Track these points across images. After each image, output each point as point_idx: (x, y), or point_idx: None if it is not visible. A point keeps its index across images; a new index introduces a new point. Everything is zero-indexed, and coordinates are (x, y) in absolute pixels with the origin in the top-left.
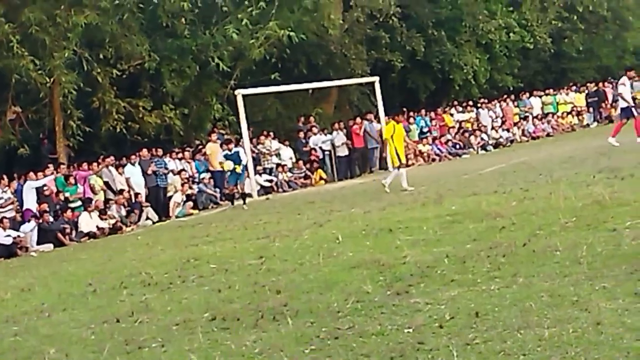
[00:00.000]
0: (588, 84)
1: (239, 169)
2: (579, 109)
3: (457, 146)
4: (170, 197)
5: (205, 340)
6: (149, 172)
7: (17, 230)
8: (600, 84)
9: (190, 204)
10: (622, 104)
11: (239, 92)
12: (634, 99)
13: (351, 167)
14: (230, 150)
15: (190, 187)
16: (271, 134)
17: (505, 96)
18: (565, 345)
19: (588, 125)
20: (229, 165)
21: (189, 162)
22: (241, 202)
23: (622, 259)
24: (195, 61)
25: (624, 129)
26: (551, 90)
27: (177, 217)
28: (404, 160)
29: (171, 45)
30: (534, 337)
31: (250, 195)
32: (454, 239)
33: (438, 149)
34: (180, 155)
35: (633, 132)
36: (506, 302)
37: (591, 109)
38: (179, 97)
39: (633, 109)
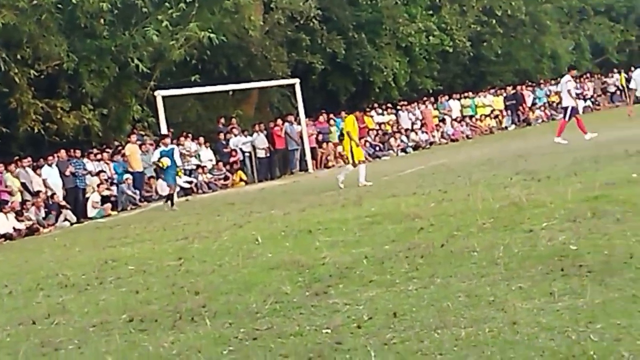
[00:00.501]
0: (506, 87)
1: (165, 163)
2: (497, 111)
3: (377, 148)
4: (89, 198)
5: (123, 342)
6: (67, 173)
7: None
8: (519, 87)
9: (109, 205)
10: (565, 102)
11: (159, 94)
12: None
13: (271, 168)
14: (166, 146)
15: (109, 189)
16: (191, 135)
17: (424, 99)
18: (481, 344)
19: (506, 127)
20: (167, 161)
21: (107, 163)
22: (170, 203)
23: (538, 260)
24: (115, 62)
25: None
26: (470, 93)
27: (94, 218)
28: (362, 157)
29: (90, 45)
30: (450, 336)
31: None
32: (373, 240)
33: None
34: (99, 156)
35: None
36: (424, 302)
37: (509, 112)
38: (97, 97)
39: (568, 110)
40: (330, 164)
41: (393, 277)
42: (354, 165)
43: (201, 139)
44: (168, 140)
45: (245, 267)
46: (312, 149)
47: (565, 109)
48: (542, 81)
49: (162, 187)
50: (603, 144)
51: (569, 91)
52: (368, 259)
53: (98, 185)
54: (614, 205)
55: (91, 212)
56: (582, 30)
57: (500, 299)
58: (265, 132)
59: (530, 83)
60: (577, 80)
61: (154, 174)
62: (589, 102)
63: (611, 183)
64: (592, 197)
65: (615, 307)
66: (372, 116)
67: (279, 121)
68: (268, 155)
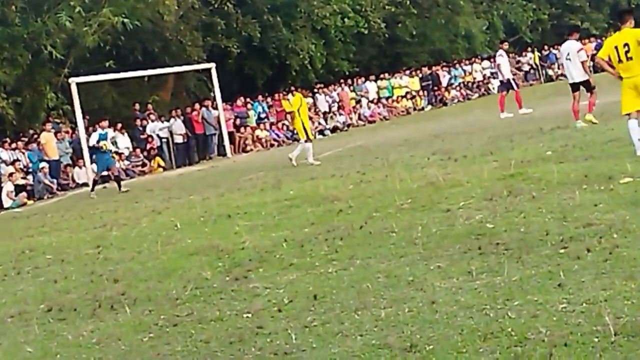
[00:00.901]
0: (422, 68)
1: (107, 146)
2: (413, 92)
3: (295, 131)
4: (3, 188)
5: (41, 332)
6: None
7: None
8: (434, 68)
9: (24, 194)
10: (500, 77)
11: (73, 81)
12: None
13: (189, 154)
14: (103, 129)
15: (25, 178)
16: (107, 122)
17: (341, 81)
18: (401, 324)
19: (422, 108)
20: (109, 144)
21: (22, 152)
22: (116, 186)
23: (456, 239)
24: (28, 49)
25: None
26: (386, 75)
27: (10, 208)
28: (310, 135)
29: (2, 33)
30: (370, 317)
31: (97, 183)
32: (292, 223)
33: (276, 134)
34: (13, 145)
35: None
36: (344, 284)
37: (425, 93)
38: (11, 86)
39: (512, 82)
40: (248, 148)
41: (313, 259)
42: (309, 140)
43: (118, 126)
44: (105, 123)
45: (165, 253)
46: (230, 134)
47: (508, 80)
48: (457, 61)
49: (78, 175)
50: (518, 122)
51: (499, 65)
52: (288, 243)
53: (11, 175)
54: (529, 183)
55: (7, 202)
56: (495, 9)
57: (419, 278)
58: (182, 117)
59: (445, 63)
60: (492, 60)
61: (70, 162)
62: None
63: (526, 161)
64: (508, 176)
65: (532, 284)
66: (288, 99)
67: (196, 106)
68: (186, 140)
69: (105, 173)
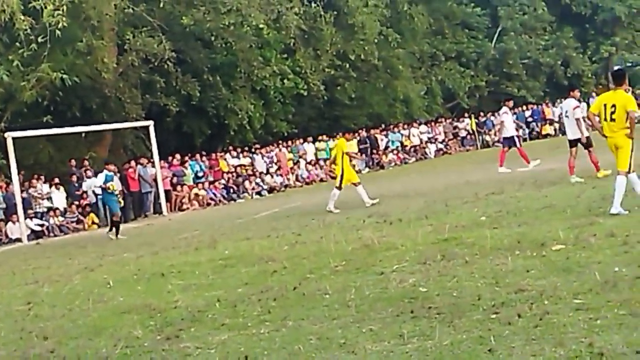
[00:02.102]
0: (360, 131)
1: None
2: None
3: (232, 191)
4: None
5: None
6: None
7: None
8: (372, 131)
9: None
10: (505, 133)
11: (9, 135)
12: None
13: (125, 211)
14: (109, 171)
15: None
16: (42, 177)
17: (279, 142)
18: None
19: (360, 171)
20: (115, 185)
21: None
22: (115, 231)
23: (389, 302)
24: None
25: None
26: (324, 137)
27: None
28: (344, 183)
29: None
30: None
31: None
32: (226, 283)
33: (213, 193)
34: None
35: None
36: (275, 345)
37: (363, 155)
38: None
39: (516, 139)
40: (184, 206)
41: (245, 320)
42: (339, 188)
43: (54, 181)
44: (112, 166)
45: (96, 311)
46: (167, 192)
47: (512, 137)
48: (394, 125)
49: (11, 230)
50: (454, 187)
51: (502, 122)
52: (221, 302)
53: None
54: (462, 248)
55: None
56: (433, 75)
57: (351, 341)
58: (118, 174)
59: (383, 127)
60: (430, 125)
61: (3, 217)
62: (441, 145)
63: (461, 225)
64: (442, 240)
65: (463, 349)
66: (226, 159)
67: (133, 163)
68: (121, 198)
69: (37, 228)
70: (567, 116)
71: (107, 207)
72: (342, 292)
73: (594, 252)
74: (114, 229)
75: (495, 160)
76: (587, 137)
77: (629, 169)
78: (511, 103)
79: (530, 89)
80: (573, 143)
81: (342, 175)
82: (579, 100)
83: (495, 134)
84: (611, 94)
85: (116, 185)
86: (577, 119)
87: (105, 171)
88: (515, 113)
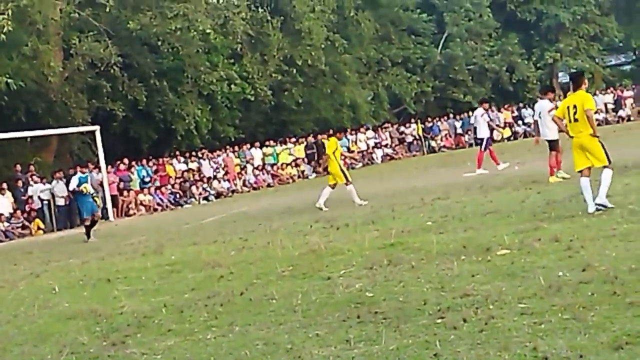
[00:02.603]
0: (307, 136)
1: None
2: (298, 160)
3: (179, 196)
4: None
5: None
6: None
7: None
8: (319, 136)
9: None
10: (480, 134)
11: None
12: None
13: (71, 216)
14: (83, 173)
15: None
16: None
17: (226, 147)
18: None
19: (307, 176)
20: (88, 187)
21: None
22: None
23: (335, 307)
24: None
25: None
26: (271, 142)
27: None
28: (349, 177)
29: None
30: None
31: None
32: (173, 289)
33: (160, 198)
34: None
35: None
36: (222, 350)
37: (310, 161)
38: None
39: (485, 142)
40: (131, 212)
41: (192, 325)
42: (350, 182)
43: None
44: (85, 169)
45: (42, 317)
46: (113, 197)
47: (482, 139)
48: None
49: None
50: (400, 192)
51: (488, 122)
52: (167, 308)
53: None
54: (409, 253)
55: None
56: (380, 80)
57: (298, 346)
58: (64, 179)
59: (330, 132)
60: (376, 131)
61: None
62: (388, 151)
63: (407, 231)
64: (389, 245)
65: (409, 353)
66: (173, 164)
67: (79, 169)
68: (67, 203)
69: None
70: (540, 117)
71: (79, 209)
72: (289, 297)
73: (538, 257)
74: (91, 230)
75: (442, 165)
76: (556, 140)
77: (609, 160)
78: (487, 105)
79: (475, 95)
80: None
81: (342, 170)
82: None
83: (441, 139)
84: (573, 96)
85: (89, 187)
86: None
87: (79, 174)
88: (461, 119)
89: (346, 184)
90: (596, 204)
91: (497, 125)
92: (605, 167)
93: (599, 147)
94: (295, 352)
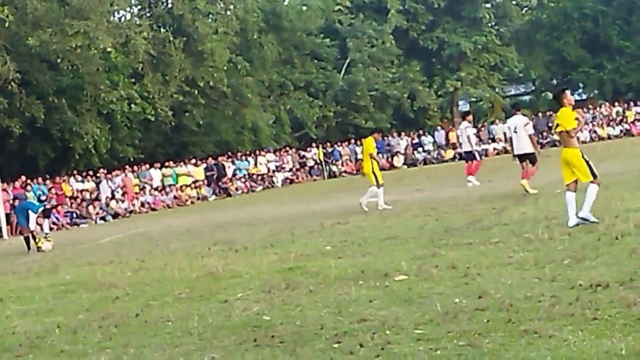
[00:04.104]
0: (207, 158)
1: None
2: (198, 182)
3: (75, 215)
4: None
5: None
6: None
7: None
8: (220, 158)
9: None
10: (465, 147)
11: None
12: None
13: None
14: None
15: None
16: None
17: (125, 167)
18: None
19: (206, 198)
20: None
21: None
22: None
23: (232, 330)
24: None
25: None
26: (171, 163)
27: None
28: (380, 180)
29: None
30: None
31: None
32: (67, 309)
33: (56, 217)
34: None
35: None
36: None
37: (210, 182)
38: None
39: (476, 153)
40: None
41: (85, 347)
42: (379, 186)
43: None
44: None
45: None
46: (7, 215)
47: (468, 152)
48: (242, 153)
49: None
50: (300, 216)
51: (468, 137)
52: (60, 328)
53: None
54: (307, 277)
55: None
56: (282, 104)
57: None
58: None
59: (230, 154)
60: (277, 154)
61: None
62: (288, 174)
63: (305, 255)
64: (287, 269)
65: None
66: (70, 183)
67: None
68: None
69: None
70: (515, 132)
71: None
72: (185, 319)
73: (435, 283)
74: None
75: (342, 189)
76: (534, 153)
77: (594, 176)
78: (471, 117)
79: (377, 121)
80: (522, 158)
81: (373, 172)
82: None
83: (342, 164)
84: (558, 113)
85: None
86: (530, 135)
87: None
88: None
89: (377, 186)
90: (579, 217)
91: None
92: (591, 182)
93: (582, 163)
94: None
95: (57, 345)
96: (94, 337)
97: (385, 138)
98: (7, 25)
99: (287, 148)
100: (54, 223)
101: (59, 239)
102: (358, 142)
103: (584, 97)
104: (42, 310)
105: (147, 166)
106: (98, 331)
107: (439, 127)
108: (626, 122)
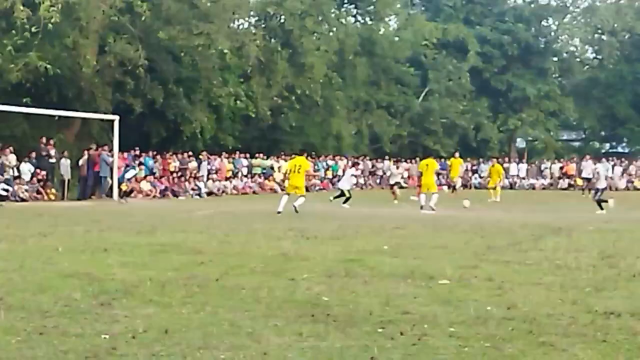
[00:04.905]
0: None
1: None
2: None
3: (176, 188)
4: None
5: None
6: None
7: None
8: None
9: None
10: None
11: None
12: None
13: (85, 189)
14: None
15: None
16: (12, 149)
17: (224, 153)
18: None
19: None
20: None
21: None
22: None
23: (295, 304)
24: None
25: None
26: (262, 155)
27: None
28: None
29: None
30: (210, 356)
31: None
32: (159, 266)
33: (155, 186)
34: None
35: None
36: (193, 325)
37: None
38: None
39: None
40: (133, 195)
41: (170, 299)
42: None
43: (25, 154)
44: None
45: (44, 271)
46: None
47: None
48: (324, 156)
49: None
50: (366, 217)
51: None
52: (152, 281)
53: None
54: (364, 269)
55: None
56: (365, 119)
57: (258, 332)
58: (85, 157)
59: (313, 155)
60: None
61: None
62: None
63: (365, 250)
64: (348, 260)
65: (350, 353)
66: (175, 160)
67: (99, 150)
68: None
69: (3, 193)
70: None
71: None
72: (257, 289)
73: (472, 291)
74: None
75: (405, 200)
76: None
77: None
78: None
79: (444, 145)
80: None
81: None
82: None
83: (408, 179)
84: None
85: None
86: None
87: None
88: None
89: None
90: None
91: None
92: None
93: None
94: (255, 336)
95: (147, 295)
96: (178, 292)
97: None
98: (143, 18)
99: (362, 157)
100: (160, 191)
101: (159, 207)
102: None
103: (627, 150)
104: (138, 264)
105: (243, 155)
106: (183, 288)
107: (492, 159)
108: None
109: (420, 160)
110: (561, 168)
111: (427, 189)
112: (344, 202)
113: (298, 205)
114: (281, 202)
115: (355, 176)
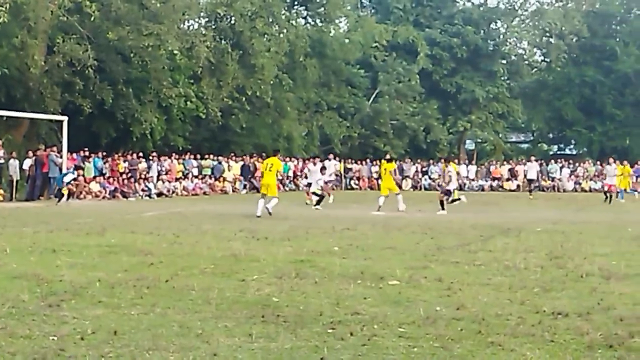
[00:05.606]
0: (244, 157)
1: None
2: (234, 175)
3: (125, 189)
4: None
5: None
6: None
7: None
8: (254, 158)
9: None
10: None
11: None
12: None
13: (34, 190)
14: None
15: None
16: None
17: (173, 154)
18: None
19: (239, 190)
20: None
21: None
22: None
23: (245, 305)
24: None
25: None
26: (212, 156)
27: None
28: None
29: None
30: (159, 358)
31: None
32: (108, 267)
33: (104, 187)
34: None
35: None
36: (142, 326)
37: (243, 178)
38: None
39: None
40: (82, 196)
41: (120, 301)
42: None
43: None
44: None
45: None
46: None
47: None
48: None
49: None
50: (316, 218)
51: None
52: (101, 282)
53: None
54: (314, 270)
55: None
56: (315, 120)
57: (207, 333)
58: (34, 157)
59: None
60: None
61: None
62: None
63: (316, 251)
64: (299, 260)
65: (300, 354)
66: (125, 161)
67: (48, 150)
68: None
69: None
70: None
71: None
72: (207, 290)
73: (422, 291)
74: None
75: (355, 201)
76: None
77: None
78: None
79: (394, 147)
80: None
81: (397, 183)
82: None
83: (359, 180)
84: None
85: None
86: None
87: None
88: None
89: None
90: None
91: None
92: None
93: None
94: (204, 337)
95: (96, 296)
96: (128, 293)
97: (399, 162)
98: (92, 19)
99: (313, 158)
100: (109, 193)
101: (109, 208)
102: (374, 163)
103: (574, 152)
104: (87, 265)
105: (192, 156)
106: (132, 289)
107: (442, 160)
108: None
109: (371, 161)
110: (510, 170)
111: (387, 191)
112: (316, 204)
113: (271, 207)
114: (258, 206)
115: (326, 182)
